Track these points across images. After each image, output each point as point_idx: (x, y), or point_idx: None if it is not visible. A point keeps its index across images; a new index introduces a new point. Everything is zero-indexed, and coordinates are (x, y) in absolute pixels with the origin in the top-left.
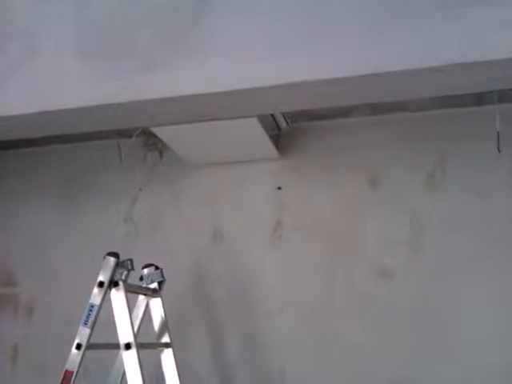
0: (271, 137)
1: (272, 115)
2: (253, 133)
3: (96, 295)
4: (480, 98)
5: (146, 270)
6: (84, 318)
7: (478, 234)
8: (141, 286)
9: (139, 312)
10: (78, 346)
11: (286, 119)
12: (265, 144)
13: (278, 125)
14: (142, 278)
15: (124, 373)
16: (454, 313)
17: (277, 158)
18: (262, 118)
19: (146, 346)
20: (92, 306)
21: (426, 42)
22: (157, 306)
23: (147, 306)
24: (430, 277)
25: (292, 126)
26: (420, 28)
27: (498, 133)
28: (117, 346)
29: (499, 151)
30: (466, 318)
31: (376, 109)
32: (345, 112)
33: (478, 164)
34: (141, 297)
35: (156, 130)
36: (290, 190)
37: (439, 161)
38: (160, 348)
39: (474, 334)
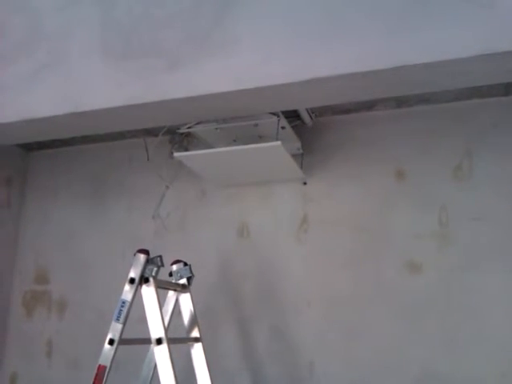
0: (295, 156)
1: (294, 132)
2: (277, 156)
3: (127, 291)
4: (507, 88)
5: (174, 266)
6: (116, 313)
7: (506, 226)
8: (170, 282)
9: (169, 307)
10: (111, 342)
11: (310, 114)
12: (290, 166)
13: (302, 145)
14: (171, 274)
15: (155, 367)
16: (483, 307)
17: (302, 178)
18: (284, 140)
19: (177, 340)
20: (124, 302)
21: (453, 33)
22: (186, 302)
23: (177, 301)
24: (458, 270)
25: (316, 120)
26: (446, 19)
27: None
28: (148, 340)
29: None
30: (495, 311)
31: (401, 101)
32: (369, 105)
33: (506, 155)
34: (170, 292)
35: (180, 156)
36: (316, 185)
37: (466, 152)
38: (190, 342)
39: (503, 328)
